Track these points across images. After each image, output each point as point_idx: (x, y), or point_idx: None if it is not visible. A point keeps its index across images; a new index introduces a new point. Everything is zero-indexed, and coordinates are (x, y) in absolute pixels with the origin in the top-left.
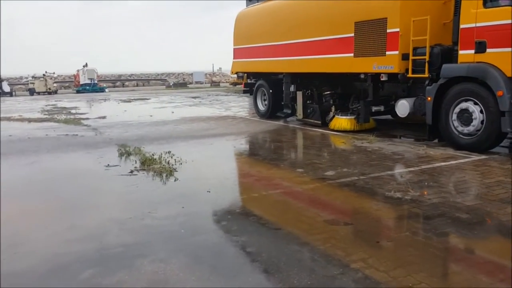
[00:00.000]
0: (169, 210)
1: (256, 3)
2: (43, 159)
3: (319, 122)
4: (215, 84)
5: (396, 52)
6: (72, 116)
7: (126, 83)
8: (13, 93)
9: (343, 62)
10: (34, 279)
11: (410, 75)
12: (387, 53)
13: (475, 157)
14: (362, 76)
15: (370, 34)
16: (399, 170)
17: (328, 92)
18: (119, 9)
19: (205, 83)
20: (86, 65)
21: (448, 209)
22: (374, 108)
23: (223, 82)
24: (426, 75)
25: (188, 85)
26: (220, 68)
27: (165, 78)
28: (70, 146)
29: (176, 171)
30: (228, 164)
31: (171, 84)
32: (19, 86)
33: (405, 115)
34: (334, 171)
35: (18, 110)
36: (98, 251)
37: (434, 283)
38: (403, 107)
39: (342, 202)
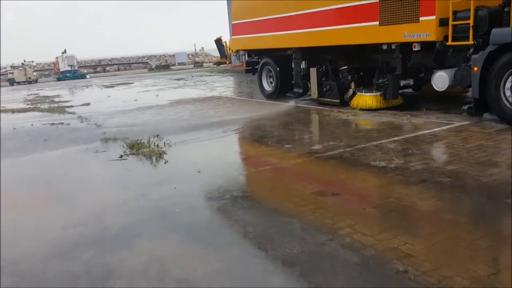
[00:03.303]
0: (162, 191)
1: None
2: (33, 149)
3: (337, 100)
4: (198, 64)
5: (433, 17)
6: (55, 105)
7: (107, 68)
8: None
9: (366, 32)
10: (38, 263)
11: (450, 43)
12: (421, 19)
13: (457, 123)
14: (385, 47)
15: None
16: (383, 140)
17: (346, 67)
18: None
19: (188, 64)
20: (65, 51)
21: (431, 175)
22: (402, 82)
23: (207, 62)
24: (471, 42)
25: (170, 67)
26: (203, 48)
27: (147, 61)
28: (57, 135)
29: (166, 153)
30: (218, 144)
31: (153, 67)
32: None
33: (444, 89)
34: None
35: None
36: (97, 233)
37: (417, 243)
38: (441, 80)
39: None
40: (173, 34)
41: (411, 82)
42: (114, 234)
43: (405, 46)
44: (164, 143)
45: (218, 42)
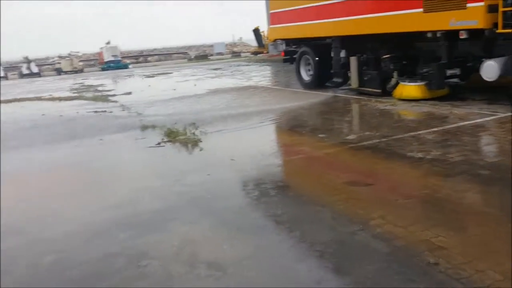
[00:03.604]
0: (195, 177)
1: None
2: (76, 135)
3: (379, 90)
4: (236, 54)
5: (481, 4)
6: (99, 93)
7: (149, 59)
8: (41, 73)
9: (409, 19)
10: (76, 242)
11: (500, 30)
12: (469, 5)
13: (501, 114)
14: (430, 35)
15: None
16: (422, 131)
17: (387, 56)
18: None
19: (226, 54)
20: (109, 42)
21: (469, 167)
22: (449, 72)
23: (244, 52)
24: None
25: (209, 57)
26: (241, 38)
27: (186, 51)
28: (100, 122)
29: (201, 141)
30: (252, 134)
31: (192, 57)
32: (47, 66)
33: (494, 79)
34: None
35: (48, 90)
36: (133, 216)
37: (450, 236)
38: (491, 69)
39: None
40: (212, 24)
41: (457, 71)
42: (149, 217)
43: (451, 34)
44: (200, 131)
45: (256, 32)
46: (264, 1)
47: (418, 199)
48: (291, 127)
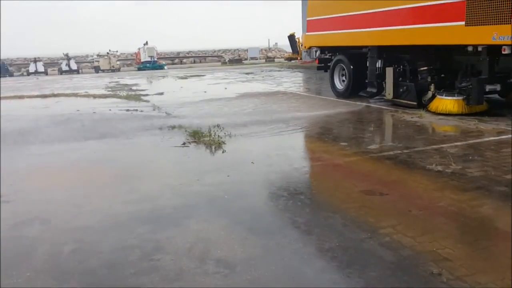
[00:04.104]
0: (215, 178)
1: None
2: (105, 130)
3: (414, 103)
4: (270, 59)
5: None
6: (132, 93)
7: (184, 60)
8: (80, 70)
9: (450, 32)
10: (96, 232)
11: None
12: None
13: None
14: (470, 48)
15: None
16: (445, 144)
17: (425, 68)
18: None
19: (260, 59)
20: (147, 43)
21: (488, 182)
22: (488, 87)
23: (278, 58)
24: None
25: (243, 61)
26: (276, 44)
27: (221, 54)
28: (131, 120)
29: (225, 143)
30: (275, 138)
31: (226, 61)
32: (85, 64)
33: None
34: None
35: (84, 87)
36: (152, 211)
37: (457, 248)
38: None
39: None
40: (249, 29)
41: (498, 87)
42: (167, 214)
43: (493, 49)
44: (225, 133)
45: (291, 38)
46: (300, 8)
47: (431, 211)
48: (314, 134)
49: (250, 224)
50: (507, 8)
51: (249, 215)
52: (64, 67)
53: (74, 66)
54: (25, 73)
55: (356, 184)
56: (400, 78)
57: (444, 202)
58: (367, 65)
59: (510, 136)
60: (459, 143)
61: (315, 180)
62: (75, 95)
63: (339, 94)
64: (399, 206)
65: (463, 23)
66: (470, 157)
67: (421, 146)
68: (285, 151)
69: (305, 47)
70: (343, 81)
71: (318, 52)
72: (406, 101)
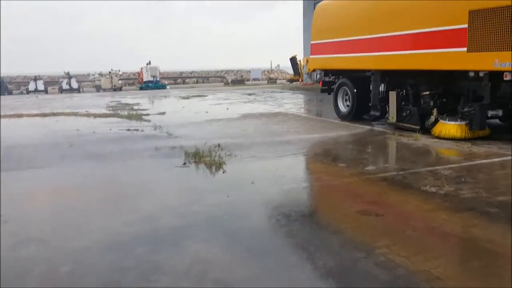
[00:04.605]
0: (215, 198)
1: None
2: (106, 150)
3: (417, 127)
4: (272, 81)
5: None
6: (134, 112)
7: (187, 80)
8: (81, 89)
9: (452, 58)
10: (95, 253)
11: None
12: None
13: None
14: (472, 74)
15: (489, 25)
16: (439, 166)
17: (428, 93)
18: (179, 8)
19: (262, 80)
20: (150, 63)
21: (479, 204)
22: (490, 113)
23: (280, 79)
24: None
25: (245, 82)
26: (278, 65)
27: (224, 75)
28: (131, 140)
29: (225, 164)
30: (274, 159)
31: (229, 81)
32: (87, 82)
33: None
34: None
35: (85, 106)
36: (151, 232)
37: (449, 267)
38: None
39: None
40: (252, 51)
41: (499, 113)
42: (166, 234)
43: (495, 75)
44: (225, 154)
45: (293, 60)
46: (302, 32)
47: (425, 231)
48: (313, 155)
49: (249, 245)
50: (508, 35)
51: (248, 236)
52: (65, 86)
53: (75, 84)
54: (24, 91)
55: (353, 204)
56: (403, 102)
57: (437, 223)
58: (371, 88)
59: (502, 159)
60: (452, 165)
61: (313, 201)
62: (75, 114)
63: (343, 117)
64: (393, 227)
65: (465, 49)
66: (463, 179)
67: (416, 168)
68: (284, 172)
69: (309, 69)
70: (347, 103)
71: (319, 75)
72: (409, 125)
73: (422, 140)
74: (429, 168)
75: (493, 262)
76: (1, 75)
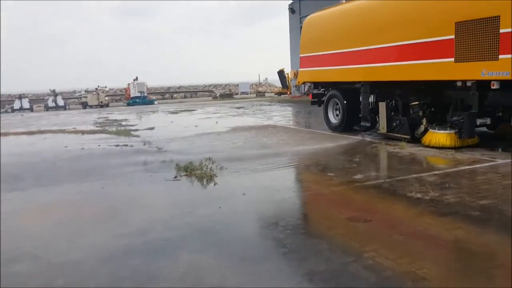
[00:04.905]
0: (207, 209)
1: (325, 8)
2: (96, 166)
3: (408, 136)
4: (260, 94)
5: None
6: (122, 128)
7: (175, 95)
8: (67, 106)
9: (440, 68)
10: (91, 266)
11: None
12: (501, 56)
13: (500, 161)
14: (460, 83)
15: (476, 36)
16: (424, 173)
17: (416, 103)
18: (165, 23)
19: (251, 94)
20: (137, 78)
21: (462, 208)
22: (479, 121)
23: (269, 92)
24: None
25: (234, 96)
26: (266, 79)
27: (212, 89)
28: (121, 156)
29: (216, 176)
30: (265, 170)
31: (217, 95)
32: (73, 100)
33: None
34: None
35: (72, 123)
36: (145, 244)
37: (434, 268)
38: None
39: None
40: (240, 64)
41: (488, 121)
42: (159, 245)
43: (482, 84)
44: (216, 166)
45: (281, 73)
46: (289, 46)
47: (411, 235)
48: (303, 165)
49: (242, 253)
50: (495, 46)
51: (240, 244)
52: (51, 104)
53: (61, 102)
54: (9, 110)
55: (342, 211)
56: (393, 113)
57: (422, 227)
58: (360, 99)
59: (483, 165)
60: (437, 172)
61: (304, 209)
62: (63, 131)
63: (334, 128)
64: (381, 231)
65: (453, 59)
66: (447, 185)
67: (402, 175)
68: (275, 182)
69: (298, 82)
70: (337, 115)
71: (306, 87)
72: (399, 135)
73: (408, 149)
74: (414, 175)
75: (475, 262)
76: None
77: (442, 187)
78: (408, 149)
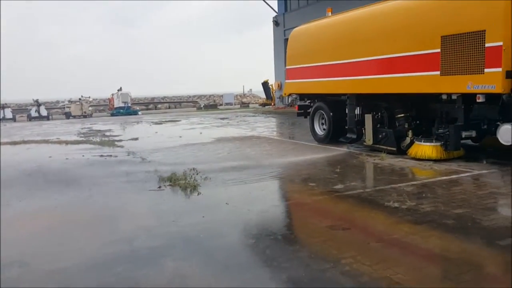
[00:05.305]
0: (191, 219)
1: (312, 20)
2: (80, 176)
3: (394, 148)
4: (244, 105)
5: (499, 70)
6: (106, 138)
7: (159, 106)
8: (50, 116)
9: (426, 81)
10: (77, 273)
11: None
12: (486, 70)
13: (476, 171)
14: (445, 96)
15: (462, 50)
16: (402, 183)
17: (402, 115)
18: (149, 32)
19: (235, 104)
20: (121, 89)
21: (438, 217)
22: (464, 134)
23: (253, 103)
24: None
25: (218, 107)
26: (251, 90)
27: (197, 100)
28: (104, 166)
29: (200, 186)
30: (247, 180)
31: (201, 106)
32: (56, 110)
33: (511, 143)
34: (343, 185)
35: (56, 133)
36: (130, 252)
37: (408, 274)
38: (508, 133)
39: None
40: (225, 75)
41: (473, 133)
42: (144, 253)
43: (467, 97)
44: (200, 177)
45: (265, 84)
46: (273, 57)
47: (387, 242)
48: (285, 176)
49: (225, 261)
50: (480, 59)
51: (223, 252)
52: (34, 114)
53: (44, 112)
54: None
55: (322, 220)
56: (379, 125)
57: (398, 234)
58: (346, 111)
59: (460, 175)
60: (414, 182)
61: (285, 218)
62: (46, 141)
63: (320, 140)
64: (359, 239)
65: (438, 72)
66: (424, 195)
67: (381, 185)
68: (257, 192)
69: (285, 94)
70: (323, 127)
71: (290, 99)
72: (385, 147)
73: (387, 160)
74: (393, 185)
75: (448, 268)
76: None
77: (419, 197)
78: (387, 160)
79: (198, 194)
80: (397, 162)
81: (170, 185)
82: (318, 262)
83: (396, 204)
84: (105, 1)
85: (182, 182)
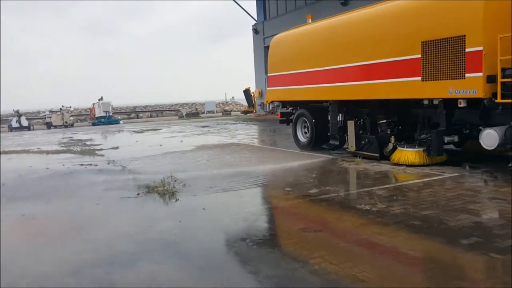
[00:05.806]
0: (168, 224)
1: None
2: (60, 185)
3: (377, 154)
4: (226, 113)
5: (480, 74)
6: (87, 148)
7: (141, 115)
8: (31, 127)
9: (407, 87)
10: (59, 277)
11: (499, 100)
12: (468, 75)
13: (447, 174)
14: (427, 102)
15: (443, 55)
16: (375, 187)
17: (384, 121)
18: (129, 42)
19: (217, 112)
20: (102, 98)
21: (406, 218)
22: (447, 139)
23: (235, 111)
24: None
25: (200, 115)
26: (233, 97)
27: (179, 108)
28: (85, 175)
29: (178, 192)
30: (225, 186)
31: (183, 115)
32: (37, 120)
33: (493, 147)
34: (318, 189)
35: (36, 143)
36: (108, 257)
37: (373, 272)
38: (490, 138)
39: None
40: (206, 84)
41: (455, 138)
42: (122, 258)
43: (449, 102)
44: (179, 184)
45: (246, 92)
46: (253, 65)
47: (356, 243)
48: (261, 182)
49: (199, 263)
50: (461, 64)
51: (199, 255)
52: (15, 124)
53: (25, 122)
54: None
55: (296, 223)
56: (361, 131)
57: (367, 235)
58: (329, 118)
59: (431, 179)
60: (387, 186)
61: (260, 222)
62: (27, 151)
63: (303, 147)
64: (329, 240)
65: (420, 78)
66: (395, 197)
67: (354, 189)
68: (234, 198)
69: (266, 101)
70: (306, 134)
71: (271, 106)
72: (368, 153)
73: (363, 165)
74: (365, 189)
75: (412, 266)
76: None
77: (390, 200)
78: (363, 165)
79: (176, 201)
80: (372, 166)
81: (148, 192)
82: (289, 262)
83: (367, 207)
84: (84, 11)
85: (161, 189)
